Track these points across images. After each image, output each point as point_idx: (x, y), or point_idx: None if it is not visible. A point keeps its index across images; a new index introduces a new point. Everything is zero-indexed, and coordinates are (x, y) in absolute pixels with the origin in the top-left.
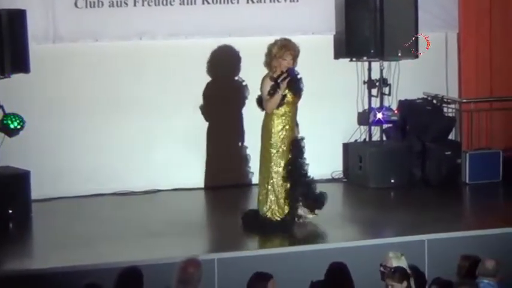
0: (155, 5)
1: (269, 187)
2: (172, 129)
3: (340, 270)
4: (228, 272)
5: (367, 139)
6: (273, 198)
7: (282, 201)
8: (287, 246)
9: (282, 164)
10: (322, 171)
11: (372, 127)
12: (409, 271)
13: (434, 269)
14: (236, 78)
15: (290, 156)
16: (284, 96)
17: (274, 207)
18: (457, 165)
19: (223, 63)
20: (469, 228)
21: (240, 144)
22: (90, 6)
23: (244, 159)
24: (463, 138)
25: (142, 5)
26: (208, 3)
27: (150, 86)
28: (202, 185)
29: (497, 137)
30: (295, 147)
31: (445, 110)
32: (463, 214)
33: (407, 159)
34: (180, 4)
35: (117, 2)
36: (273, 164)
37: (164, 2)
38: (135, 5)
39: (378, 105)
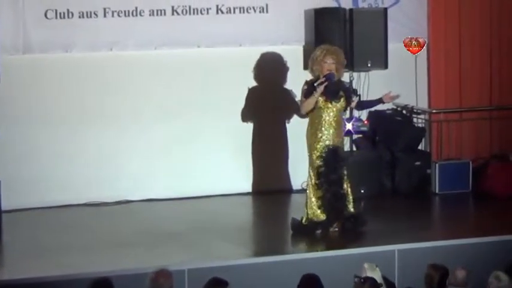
0: (125, 16)
1: (306, 190)
2: (143, 139)
3: (312, 282)
4: (198, 283)
5: None
6: (306, 200)
7: (313, 205)
8: (258, 256)
9: (312, 169)
10: (294, 181)
11: None
12: (381, 282)
13: (404, 279)
14: (207, 88)
15: (320, 163)
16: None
17: (305, 209)
18: (427, 175)
19: (194, 74)
20: (439, 238)
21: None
22: (60, 17)
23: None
24: (432, 148)
25: (112, 16)
26: (178, 14)
27: (120, 96)
28: (173, 195)
29: (466, 147)
30: (326, 154)
31: (414, 120)
32: (433, 224)
33: (377, 169)
34: (150, 15)
35: (87, 13)
36: (310, 167)
37: (134, 13)
38: (105, 16)
39: (347, 115)
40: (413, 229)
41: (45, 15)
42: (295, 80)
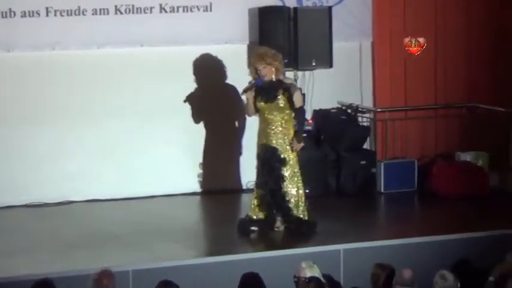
0: (67, 15)
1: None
2: (84, 140)
3: (253, 281)
4: (143, 284)
5: None
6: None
7: (253, 203)
8: (201, 257)
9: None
10: (244, 181)
11: None
12: (323, 280)
13: (349, 279)
14: (150, 88)
15: (258, 162)
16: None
17: (251, 205)
18: (372, 174)
19: (137, 73)
20: (385, 238)
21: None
22: (2, 17)
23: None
24: (377, 147)
25: (55, 15)
26: (121, 13)
27: (62, 96)
28: (118, 196)
29: (412, 146)
30: (262, 154)
31: (359, 119)
32: (378, 223)
33: (322, 168)
34: (93, 14)
35: (29, 12)
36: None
37: (77, 12)
38: (47, 15)
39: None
40: (359, 229)
41: None
42: (240, 79)
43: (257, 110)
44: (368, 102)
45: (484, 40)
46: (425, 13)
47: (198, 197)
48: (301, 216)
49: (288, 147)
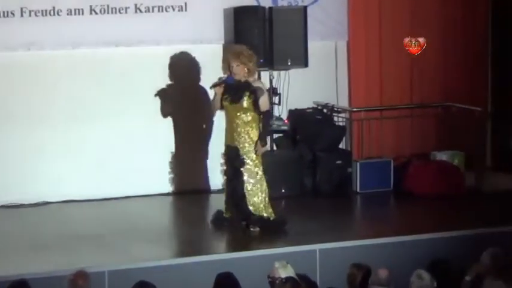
0: (42, 15)
1: None
2: (61, 140)
3: (228, 281)
4: (118, 285)
5: None
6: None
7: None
8: (175, 258)
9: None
10: (214, 181)
11: None
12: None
13: (326, 279)
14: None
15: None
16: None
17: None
18: (348, 174)
19: (112, 73)
20: (361, 238)
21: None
22: None
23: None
24: (353, 147)
25: (30, 15)
26: (96, 13)
27: (38, 96)
28: (92, 196)
29: (387, 146)
30: (225, 153)
31: (335, 119)
32: (355, 223)
33: (298, 168)
34: (68, 14)
35: (3, 12)
36: None
37: (51, 13)
38: (22, 15)
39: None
40: (335, 228)
41: None
42: (214, 79)
43: (222, 108)
44: (344, 102)
45: (459, 40)
46: (400, 13)
47: (170, 198)
48: (265, 215)
49: (251, 148)
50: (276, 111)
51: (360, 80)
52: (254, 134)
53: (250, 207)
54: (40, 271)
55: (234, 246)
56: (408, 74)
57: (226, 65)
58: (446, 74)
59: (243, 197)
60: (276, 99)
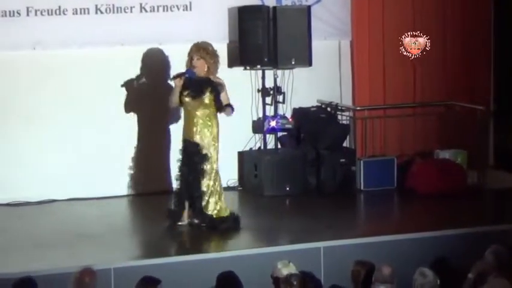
0: (48, 15)
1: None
2: (67, 139)
3: (230, 281)
4: (124, 282)
5: (262, 147)
6: None
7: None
8: (182, 255)
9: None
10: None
11: (267, 135)
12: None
13: (330, 276)
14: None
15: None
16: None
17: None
18: (352, 172)
19: (119, 72)
20: (364, 235)
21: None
22: None
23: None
24: (357, 145)
25: (35, 15)
26: (101, 12)
27: (45, 95)
28: (97, 194)
29: (391, 144)
30: (182, 148)
31: (339, 117)
32: (358, 221)
33: (302, 167)
34: (73, 14)
35: (9, 12)
36: None
37: (57, 12)
38: (28, 15)
39: (272, 113)
40: (339, 226)
41: None
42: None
43: (181, 103)
44: (347, 101)
45: (462, 39)
46: (403, 12)
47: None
48: (217, 212)
49: (210, 144)
50: (281, 110)
51: (363, 78)
52: (214, 129)
53: (207, 205)
54: (46, 268)
55: (235, 245)
56: (411, 73)
57: (189, 58)
58: (449, 72)
59: (198, 190)
60: (280, 98)
